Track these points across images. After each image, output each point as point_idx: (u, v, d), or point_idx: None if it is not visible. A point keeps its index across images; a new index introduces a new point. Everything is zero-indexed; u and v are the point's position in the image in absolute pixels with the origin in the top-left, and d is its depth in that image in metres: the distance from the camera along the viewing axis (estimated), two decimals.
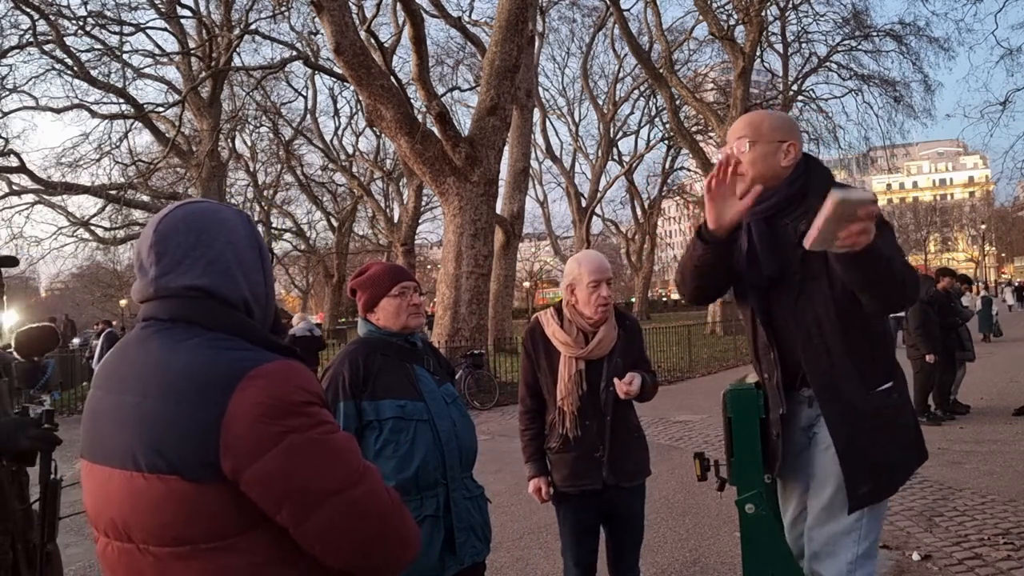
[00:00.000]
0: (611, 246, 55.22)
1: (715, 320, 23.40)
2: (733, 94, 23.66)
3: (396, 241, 29.36)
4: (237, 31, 21.23)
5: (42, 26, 20.35)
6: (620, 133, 37.94)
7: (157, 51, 25.55)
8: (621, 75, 35.58)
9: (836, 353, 2.08)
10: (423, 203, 30.63)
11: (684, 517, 5.07)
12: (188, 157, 23.80)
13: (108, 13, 21.67)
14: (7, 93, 21.77)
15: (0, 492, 2.18)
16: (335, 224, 37.54)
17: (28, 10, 19.55)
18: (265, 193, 36.10)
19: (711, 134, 28.84)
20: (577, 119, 40.40)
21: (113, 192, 22.86)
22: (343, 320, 36.55)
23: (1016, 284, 40.66)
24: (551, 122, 38.95)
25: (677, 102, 26.29)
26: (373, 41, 20.64)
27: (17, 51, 20.78)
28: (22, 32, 20.45)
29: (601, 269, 2.77)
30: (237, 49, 23.12)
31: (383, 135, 22.79)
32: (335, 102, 36.65)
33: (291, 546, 1.13)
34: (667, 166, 38.78)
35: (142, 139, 43.61)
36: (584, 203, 36.77)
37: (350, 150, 34.97)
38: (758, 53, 24.79)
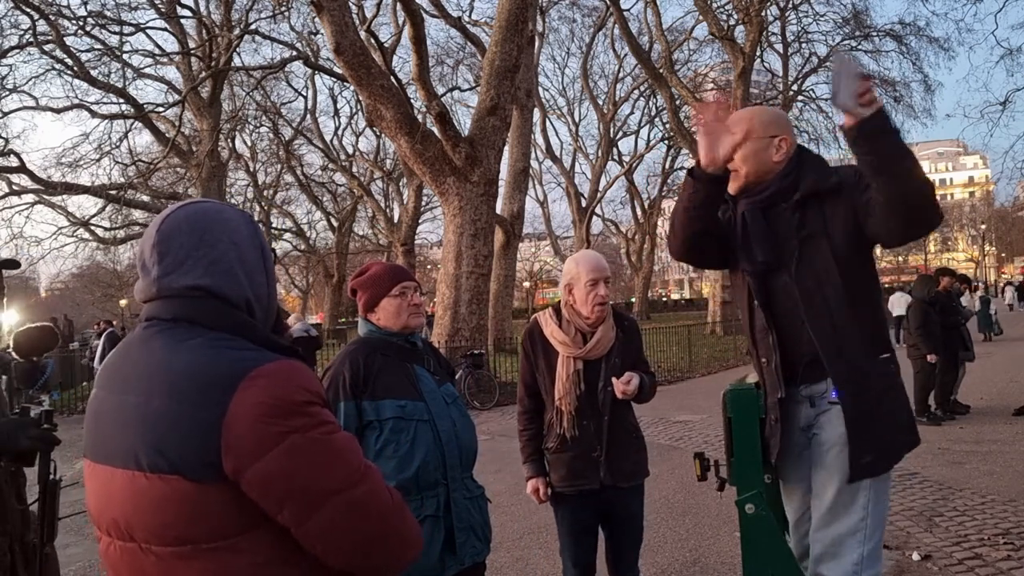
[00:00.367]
0: (611, 246, 55.20)
1: (715, 320, 23.41)
2: (733, 94, 23.64)
3: (396, 241, 29.36)
4: (237, 31, 21.23)
5: (42, 26, 20.35)
6: (620, 133, 37.95)
7: (157, 51, 25.58)
8: (621, 75, 35.61)
9: (839, 316, 2.09)
10: (423, 203, 30.63)
11: (684, 517, 5.07)
12: (188, 157, 23.80)
13: (108, 13, 21.69)
14: (7, 93, 21.79)
15: None
16: (335, 224, 37.54)
17: (28, 10, 19.54)
18: (265, 193, 36.10)
19: None
20: (577, 119, 40.45)
21: (113, 192, 22.85)
22: (343, 320, 36.56)
23: (1017, 283, 40.60)
24: (551, 122, 38.99)
25: (677, 102, 26.27)
26: (373, 41, 20.64)
27: (17, 51, 20.79)
28: (22, 32, 20.46)
29: (598, 269, 2.77)
30: (237, 49, 23.13)
31: (383, 135, 22.79)
32: (335, 102, 36.70)
33: (293, 546, 1.13)
34: (667, 166, 38.79)
35: (142, 139, 43.62)
36: (584, 203, 36.76)
37: (350, 150, 35.02)
38: (758, 53, 24.79)
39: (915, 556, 4.11)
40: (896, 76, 29.28)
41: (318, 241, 40.67)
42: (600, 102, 36.35)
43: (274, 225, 37.21)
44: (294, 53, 24.19)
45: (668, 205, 48.75)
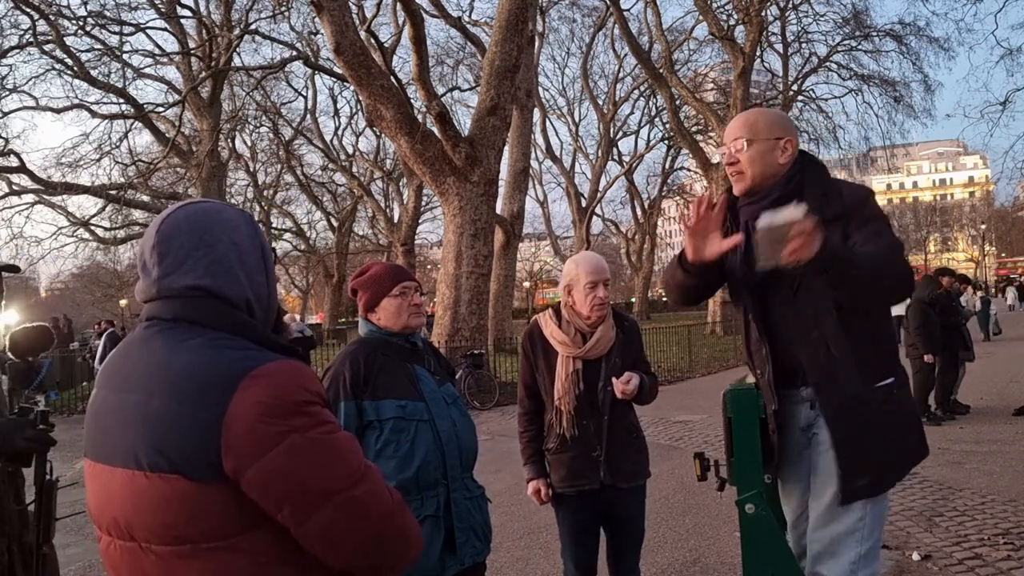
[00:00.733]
0: (611, 246, 55.22)
1: (715, 320, 23.41)
2: (733, 94, 23.66)
3: (396, 241, 29.37)
4: (237, 31, 21.23)
5: (42, 26, 20.36)
6: (620, 133, 37.94)
7: (157, 51, 25.58)
8: (621, 75, 35.62)
9: (836, 345, 2.08)
10: (423, 203, 30.65)
11: (684, 517, 5.07)
12: (188, 157, 23.81)
13: (108, 13, 21.68)
14: (7, 93, 21.79)
15: None
16: (335, 224, 37.54)
17: (28, 10, 19.55)
18: (265, 193, 36.11)
19: (711, 134, 28.82)
20: (577, 119, 40.46)
21: (113, 192, 22.86)
22: (343, 320, 36.56)
23: (1018, 283, 40.59)
24: (551, 122, 39.01)
25: (677, 102, 26.29)
26: (373, 41, 20.64)
27: (17, 51, 20.79)
28: (22, 32, 20.46)
29: (598, 270, 2.77)
30: (237, 49, 23.13)
31: (383, 135, 22.80)
32: (335, 102, 36.67)
33: (292, 546, 1.13)
34: (667, 166, 38.80)
35: (142, 139, 43.59)
36: (584, 203, 36.77)
37: (350, 150, 35.03)
38: (758, 53, 24.79)
39: (915, 556, 4.11)
40: (896, 76, 29.25)
41: (318, 241, 40.70)
42: (600, 102, 36.36)
43: (274, 225, 37.22)
44: (294, 53, 24.20)
45: (668, 205, 48.82)
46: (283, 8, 21.40)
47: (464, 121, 27.36)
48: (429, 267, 51.13)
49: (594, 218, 39.00)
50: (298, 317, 26.36)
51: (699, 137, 28.81)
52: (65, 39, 20.87)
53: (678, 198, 43.44)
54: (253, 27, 21.88)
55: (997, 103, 20.06)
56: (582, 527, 2.79)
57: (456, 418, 2.31)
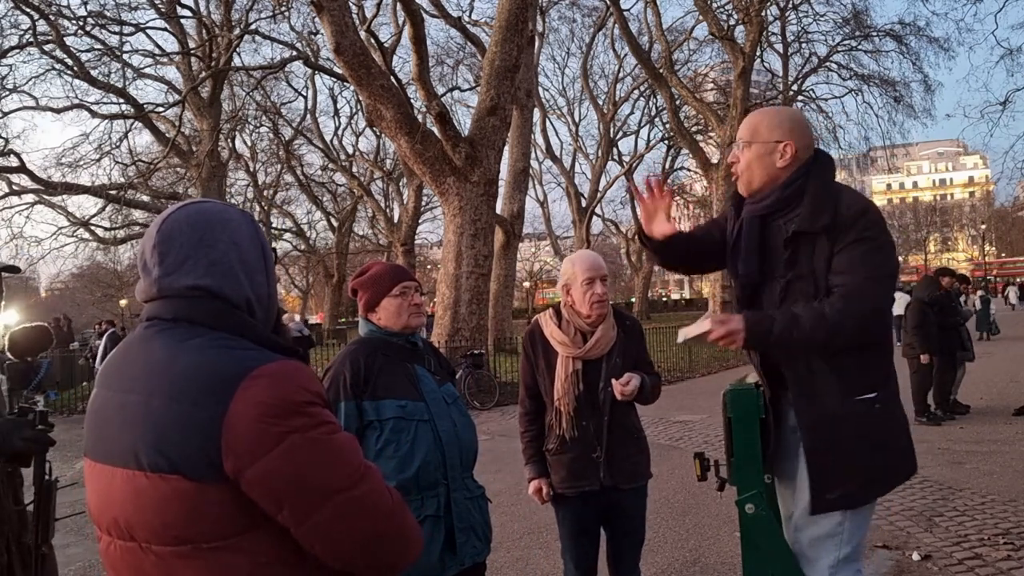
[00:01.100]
0: (611, 246, 55.20)
1: None
2: (733, 94, 23.65)
3: (396, 241, 29.37)
4: (237, 31, 21.24)
5: (42, 26, 20.37)
6: (620, 133, 37.95)
7: (157, 51, 25.61)
8: (621, 75, 35.62)
9: (816, 361, 2.06)
10: (423, 203, 30.66)
11: (684, 517, 5.07)
12: (188, 157, 23.82)
13: (108, 13, 21.71)
14: (7, 93, 21.81)
15: None
16: (335, 224, 37.55)
17: (28, 10, 19.56)
18: (265, 193, 36.11)
19: (711, 134, 28.84)
20: (577, 119, 40.46)
21: (113, 192, 22.87)
22: (343, 320, 36.56)
23: (1019, 283, 40.59)
24: (551, 122, 39.01)
25: (677, 102, 26.28)
26: (373, 41, 20.65)
27: (17, 51, 20.80)
28: (22, 32, 20.48)
29: (595, 266, 2.76)
30: (237, 49, 23.14)
31: (383, 135, 22.80)
32: (335, 102, 36.70)
33: (293, 546, 1.13)
34: (667, 166, 38.79)
35: (142, 139, 43.59)
36: (584, 203, 36.77)
37: (350, 150, 35.04)
38: (758, 53, 24.79)
39: (915, 556, 4.11)
40: (896, 76, 29.26)
41: (318, 241, 40.71)
42: (600, 102, 36.36)
43: (274, 225, 37.24)
44: (294, 53, 24.21)
45: None
46: (283, 8, 21.41)
47: (464, 121, 27.39)
48: (429, 267, 51.12)
49: (594, 218, 39.03)
50: (297, 317, 26.36)
51: (699, 137, 28.82)
52: (65, 39, 20.89)
53: (678, 198, 43.42)
54: (253, 27, 21.89)
55: (997, 103, 20.11)
56: (582, 527, 2.78)
57: (456, 418, 2.31)
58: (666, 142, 36.61)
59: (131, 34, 23.26)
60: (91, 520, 1.21)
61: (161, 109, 23.93)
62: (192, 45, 23.62)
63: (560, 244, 44.85)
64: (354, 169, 33.94)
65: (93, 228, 26.90)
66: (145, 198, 24.19)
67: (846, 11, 26.28)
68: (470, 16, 26.92)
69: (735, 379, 2.43)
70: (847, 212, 2.04)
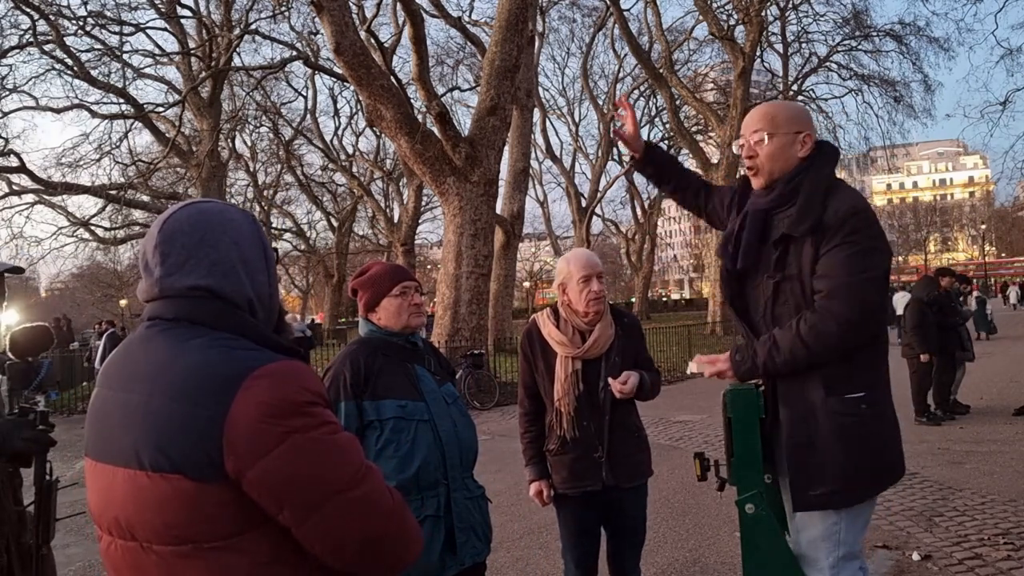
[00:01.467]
0: (611, 246, 55.24)
1: (715, 320, 23.40)
2: (733, 94, 23.67)
3: (396, 241, 29.37)
4: (237, 31, 21.23)
5: (42, 26, 20.37)
6: None
7: (157, 51, 25.62)
8: (621, 75, 35.63)
9: None
10: (423, 203, 30.65)
11: (684, 517, 5.07)
12: (188, 157, 23.82)
13: (108, 13, 21.72)
14: (7, 93, 21.80)
15: None
16: (335, 224, 37.55)
17: (28, 10, 19.55)
18: (265, 193, 36.11)
19: (711, 134, 28.86)
20: (577, 119, 40.50)
21: (113, 192, 22.86)
22: (343, 320, 36.56)
23: (1020, 283, 40.61)
24: (551, 122, 39.01)
25: (677, 102, 26.30)
26: (373, 41, 20.65)
27: (17, 51, 20.80)
28: (22, 32, 20.48)
29: (590, 264, 2.75)
30: (237, 49, 23.13)
31: (383, 135, 22.80)
32: (335, 102, 36.72)
33: (293, 546, 1.13)
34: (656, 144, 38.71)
35: (142, 139, 43.66)
36: (584, 203, 36.76)
37: (350, 150, 35.05)
38: (758, 53, 24.81)
39: (915, 556, 4.11)
40: (896, 76, 29.29)
41: (318, 241, 40.71)
42: (600, 102, 36.36)
43: (274, 225, 37.24)
44: (294, 53, 24.20)
45: (668, 205, 48.80)
46: (283, 8, 21.41)
47: (464, 121, 27.40)
48: (429, 267, 51.13)
49: (594, 218, 39.02)
50: (298, 317, 26.37)
51: (699, 137, 28.84)
52: (65, 39, 20.89)
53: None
54: (253, 27, 21.89)
55: (997, 103, 20.12)
56: (583, 527, 2.78)
57: (456, 418, 2.31)
58: (666, 142, 36.45)
59: (131, 34, 23.30)
60: (92, 520, 1.21)
61: (161, 109, 23.93)
62: (192, 45, 23.62)
63: (560, 244, 44.84)
64: (354, 169, 33.94)
65: (93, 228, 26.91)
66: (145, 198, 24.18)
67: (846, 11, 26.34)
68: (470, 16, 26.97)
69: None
70: (832, 216, 2.03)
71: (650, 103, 35.60)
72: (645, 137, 2.76)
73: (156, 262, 1.22)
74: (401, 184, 32.96)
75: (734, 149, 2.26)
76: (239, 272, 1.23)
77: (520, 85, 16.74)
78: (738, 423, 2.17)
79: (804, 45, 28.68)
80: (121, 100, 23.20)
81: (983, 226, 65.04)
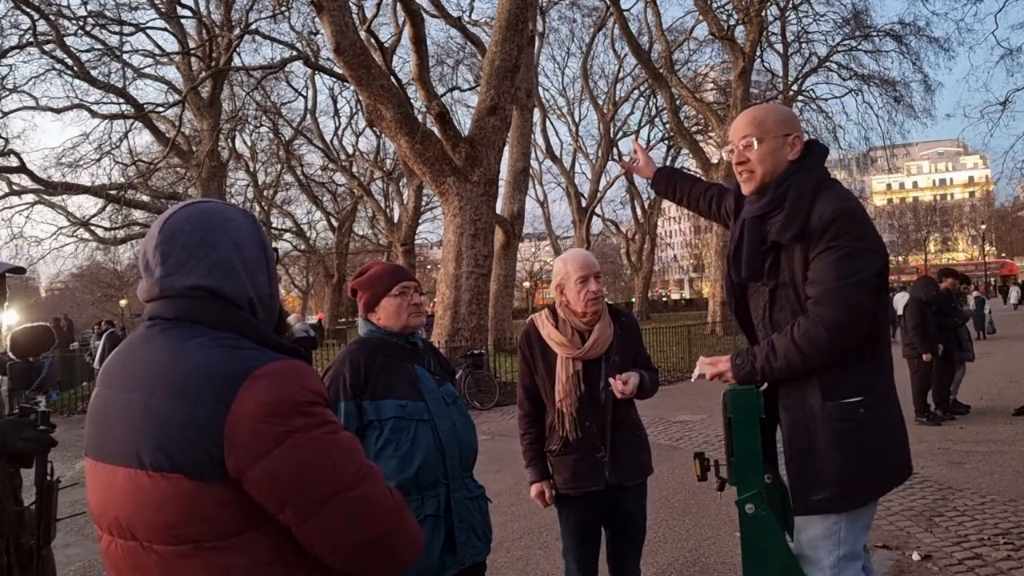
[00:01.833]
0: (611, 246, 55.25)
1: (715, 320, 23.40)
2: (733, 94, 23.67)
3: (396, 241, 29.37)
4: (237, 31, 21.23)
5: (42, 26, 20.37)
6: (620, 133, 37.93)
7: (157, 51, 25.62)
8: (621, 75, 35.64)
9: None
10: (423, 203, 30.65)
11: (684, 517, 5.07)
12: (188, 157, 23.82)
13: (108, 13, 21.71)
14: (7, 93, 21.80)
15: None
16: (335, 224, 37.56)
17: (28, 10, 19.55)
18: (265, 193, 36.12)
19: (711, 134, 28.86)
20: (577, 119, 40.50)
21: (113, 192, 22.87)
22: (343, 320, 36.57)
23: (1021, 282, 40.61)
24: (551, 122, 39.02)
25: (677, 102, 26.30)
26: (373, 41, 20.65)
27: (17, 51, 20.80)
28: (22, 32, 20.48)
29: (587, 264, 2.75)
30: (237, 49, 23.13)
31: (383, 135, 22.80)
32: (335, 102, 36.76)
33: (293, 546, 1.13)
34: (667, 166, 38.74)
35: (142, 139, 43.72)
36: (584, 203, 36.77)
37: (350, 150, 35.05)
38: (758, 53, 24.81)
39: (915, 556, 4.11)
40: (896, 76, 29.31)
41: (318, 241, 40.72)
42: (600, 102, 36.36)
43: (274, 225, 37.25)
44: (294, 53, 24.20)
45: (668, 205, 48.81)
46: (283, 8, 21.41)
47: (464, 121, 27.40)
48: (429, 267, 51.14)
49: (594, 218, 39.04)
50: (300, 317, 26.37)
51: (699, 137, 28.84)
52: (65, 39, 20.89)
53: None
54: (253, 27, 21.88)
55: (997, 103, 20.12)
56: (585, 527, 2.78)
57: (456, 418, 2.31)
58: (666, 142, 36.62)
59: (131, 34, 23.30)
60: (92, 520, 1.21)
61: (161, 109, 23.93)
62: (192, 45, 23.62)
63: (560, 244, 44.84)
64: (354, 169, 33.94)
65: (93, 228, 26.91)
66: (145, 198, 24.19)
67: (846, 11, 26.34)
68: (470, 16, 26.96)
69: None
70: (818, 220, 2.03)
71: (650, 103, 35.66)
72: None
73: (156, 262, 1.22)
74: (401, 184, 32.96)
75: (724, 155, 2.29)
76: (239, 272, 1.23)
77: (520, 85, 16.74)
78: (738, 423, 2.17)
79: (804, 45, 28.71)
80: (121, 100, 23.20)
81: (983, 226, 65.03)
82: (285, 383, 1.12)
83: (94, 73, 22.36)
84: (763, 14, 23.38)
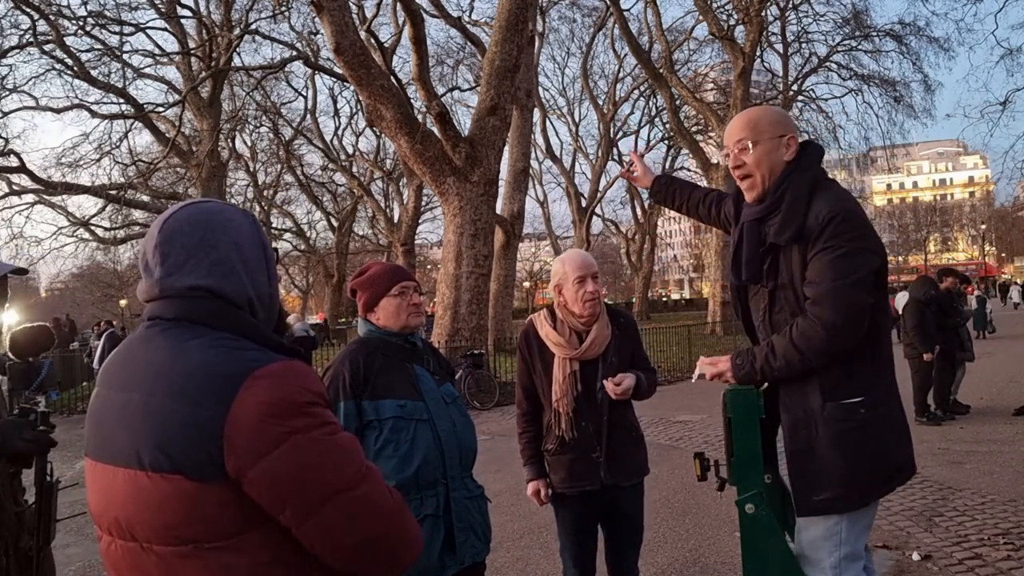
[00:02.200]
0: (611, 246, 55.26)
1: (715, 320, 23.41)
2: (733, 94, 23.68)
3: (396, 241, 29.37)
4: (237, 31, 21.24)
5: (42, 26, 20.38)
6: (620, 133, 37.97)
7: (157, 51, 25.64)
8: (621, 75, 35.66)
9: None
10: (423, 203, 30.66)
11: (684, 517, 5.07)
12: (188, 157, 23.83)
13: (108, 13, 21.72)
14: (7, 93, 21.82)
15: None
16: (335, 224, 37.56)
17: (28, 10, 19.56)
18: (265, 193, 36.13)
19: (711, 134, 28.86)
20: (577, 119, 40.52)
21: (113, 192, 22.88)
22: (343, 320, 36.57)
23: (1021, 282, 40.64)
24: (551, 122, 39.03)
25: (677, 102, 26.31)
26: (373, 41, 20.66)
27: (17, 51, 20.81)
28: (22, 32, 20.49)
29: (585, 265, 2.75)
30: (237, 49, 23.14)
31: (383, 135, 22.80)
32: (335, 102, 36.76)
33: (293, 546, 1.13)
34: (667, 166, 38.78)
35: (142, 139, 43.72)
36: (584, 203, 36.77)
37: (350, 150, 35.07)
38: (758, 53, 24.81)
39: (915, 556, 4.11)
40: (896, 76, 29.31)
41: (318, 241, 40.72)
42: (600, 102, 36.37)
43: (274, 225, 37.25)
44: (294, 53, 24.21)
45: None
46: (283, 8, 21.42)
47: (464, 121, 27.40)
48: (429, 267, 51.14)
49: (594, 218, 39.04)
50: (300, 317, 26.36)
51: (699, 137, 28.84)
52: (65, 39, 20.90)
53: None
54: (253, 27, 21.90)
55: (997, 103, 20.13)
56: (582, 527, 2.78)
57: (456, 418, 2.31)
58: (666, 142, 36.63)
59: (131, 34, 23.32)
60: (92, 520, 1.21)
61: (161, 109, 23.94)
62: (192, 45, 23.63)
63: (560, 244, 44.85)
64: (354, 169, 33.95)
65: (93, 228, 26.93)
66: (145, 198, 24.20)
67: (846, 11, 26.36)
68: (470, 16, 26.96)
69: None
70: (814, 221, 2.03)
71: (650, 103, 35.66)
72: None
73: (156, 262, 1.22)
74: (401, 184, 32.97)
75: (720, 160, 2.28)
76: (239, 272, 1.23)
77: (520, 85, 16.74)
78: (738, 423, 2.17)
79: (804, 45, 28.72)
80: (121, 100, 23.22)
81: (983, 226, 65.03)
82: (285, 384, 1.11)
83: (94, 73, 22.38)
84: (763, 14, 23.39)
